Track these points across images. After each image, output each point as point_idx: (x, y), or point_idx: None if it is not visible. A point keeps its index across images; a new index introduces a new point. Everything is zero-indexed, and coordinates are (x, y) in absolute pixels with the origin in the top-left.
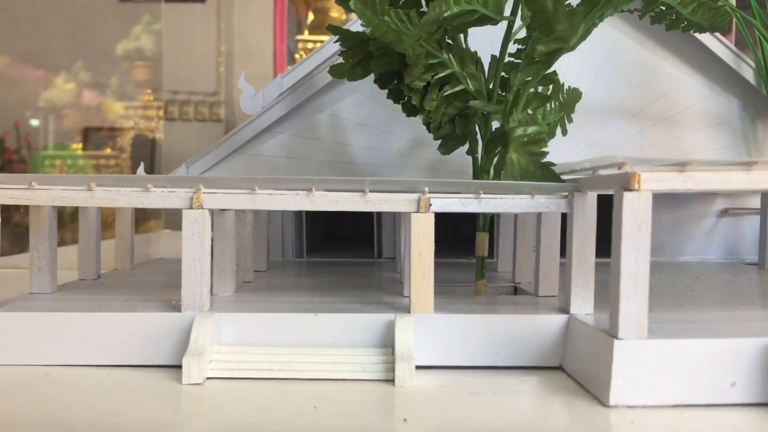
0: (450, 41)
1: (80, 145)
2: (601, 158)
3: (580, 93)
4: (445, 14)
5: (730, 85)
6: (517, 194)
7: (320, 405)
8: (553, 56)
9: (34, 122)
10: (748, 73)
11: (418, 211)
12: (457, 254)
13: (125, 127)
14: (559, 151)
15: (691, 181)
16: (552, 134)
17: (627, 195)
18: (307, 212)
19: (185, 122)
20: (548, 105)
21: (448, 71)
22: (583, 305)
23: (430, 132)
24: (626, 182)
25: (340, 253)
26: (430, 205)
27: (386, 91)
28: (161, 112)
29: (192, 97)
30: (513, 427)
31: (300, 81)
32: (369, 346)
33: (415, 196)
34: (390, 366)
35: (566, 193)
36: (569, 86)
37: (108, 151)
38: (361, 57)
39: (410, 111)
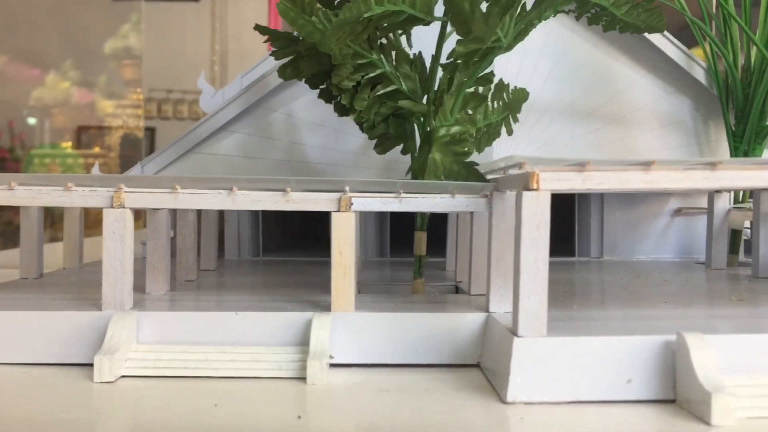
0: (384, 41)
1: (70, 144)
2: (509, 158)
3: (527, 93)
4: (366, 15)
5: (682, 85)
6: (438, 194)
7: (224, 403)
8: (471, 56)
9: (32, 120)
10: (700, 74)
11: (339, 211)
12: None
13: (113, 126)
14: (512, 151)
15: (590, 181)
16: (497, 134)
17: (526, 194)
18: (278, 211)
19: (179, 121)
20: (492, 104)
21: (379, 71)
22: (502, 303)
23: (363, 132)
24: (526, 182)
25: (302, 252)
26: (351, 204)
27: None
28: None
29: (186, 96)
30: (402, 424)
31: (256, 80)
32: (288, 345)
33: (336, 195)
34: (305, 364)
35: (487, 193)
36: (515, 86)
37: (96, 149)
38: (292, 57)
39: (342, 111)
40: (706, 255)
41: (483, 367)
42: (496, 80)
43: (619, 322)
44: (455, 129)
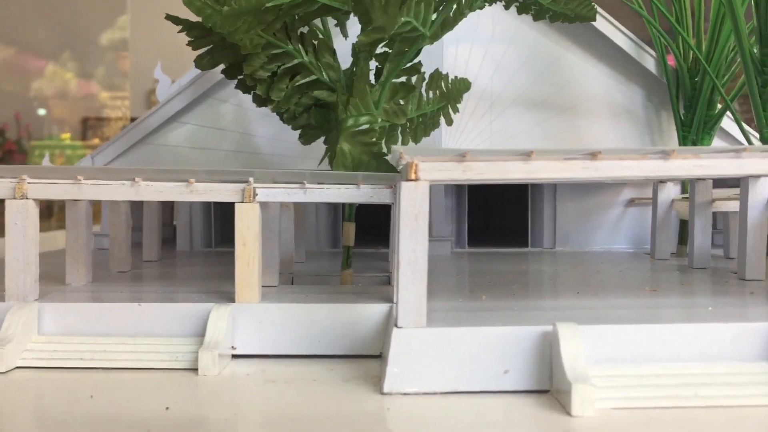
0: (306, 31)
1: (68, 135)
2: (410, 148)
3: (469, 84)
4: (269, 4)
5: (634, 75)
6: (345, 184)
7: (104, 394)
8: (374, 46)
9: (41, 111)
10: (650, 63)
11: (243, 201)
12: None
13: (113, 117)
14: (461, 141)
15: (470, 171)
16: (435, 124)
17: (404, 185)
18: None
19: None
20: (427, 95)
21: (296, 61)
22: None
23: (284, 122)
24: (405, 172)
25: None
26: (256, 195)
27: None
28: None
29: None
30: (270, 414)
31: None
32: (189, 336)
33: (240, 186)
34: None
35: (392, 184)
36: (455, 76)
37: (96, 141)
38: (209, 47)
39: (260, 102)
40: (650, 245)
41: (382, 357)
42: (452, 70)
43: (509, 312)
44: (363, 119)
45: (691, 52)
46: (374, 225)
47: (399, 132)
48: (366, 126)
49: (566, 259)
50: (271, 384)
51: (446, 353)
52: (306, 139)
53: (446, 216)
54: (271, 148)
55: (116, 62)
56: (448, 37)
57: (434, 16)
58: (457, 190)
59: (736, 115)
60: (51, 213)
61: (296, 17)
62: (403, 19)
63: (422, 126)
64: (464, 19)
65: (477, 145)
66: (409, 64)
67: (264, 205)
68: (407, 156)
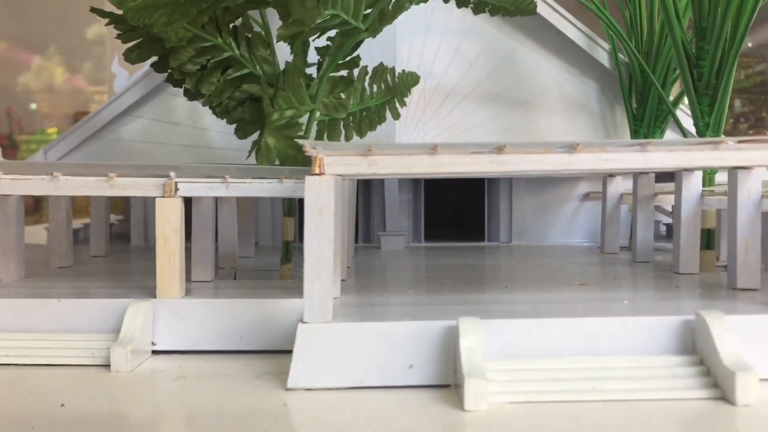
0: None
1: (55, 130)
2: (315, 142)
3: (418, 77)
4: None
5: (588, 68)
6: (269, 179)
7: (7, 391)
8: (296, 39)
9: (33, 106)
10: (604, 57)
11: (163, 196)
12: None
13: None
14: (415, 135)
15: (376, 166)
16: (381, 118)
17: (308, 179)
18: None
19: None
20: (371, 88)
21: (226, 54)
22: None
23: (218, 117)
24: (314, 167)
25: None
26: (177, 189)
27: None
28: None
29: None
30: (169, 411)
31: None
32: (108, 332)
33: (161, 180)
34: None
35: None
36: (403, 70)
37: None
38: (138, 40)
39: (190, 96)
40: (600, 239)
41: None
42: (406, 64)
43: (425, 307)
44: (289, 113)
45: (644, 45)
46: None
47: (341, 126)
48: (291, 120)
49: (518, 253)
50: (180, 380)
51: (351, 348)
52: (242, 133)
53: (401, 210)
54: (225, 143)
55: (103, 56)
56: (401, 30)
57: (371, 10)
58: (414, 184)
59: (672, 109)
60: (39, 208)
61: (225, 10)
62: (329, 12)
63: (367, 120)
64: (418, 12)
65: (431, 139)
66: (348, 58)
67: (197, 200)
68: (312, 150)
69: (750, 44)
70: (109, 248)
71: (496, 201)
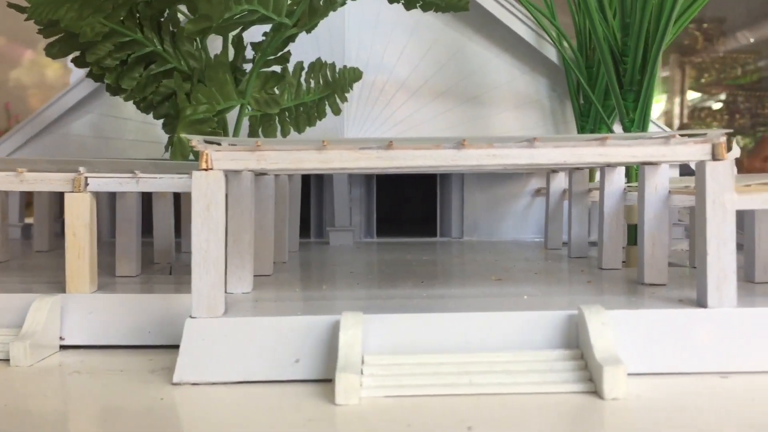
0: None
1: None
2: (203, 137)
3: (360, 73)
4: None
5: (537, 65)
6: (178, 174)
7: None
8: (204, 34)
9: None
10: (553, 53)
11: (72, 191)
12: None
13: None
14: (364, 130)
15: (265, 161)
16: (322, 113)
17: (195, 174)
18: None
19: None
20: (307, 84)
21: (147, 49)
22: (239, 284)
23: (142, 112)
24: (201, 162)
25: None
26: (87, 184)
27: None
28: None
29: None
30: (51, 406)
31: None
32: (15, 327)
33: (70, 175)
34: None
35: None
36: (344, 65)
37: None
38: (60, 35)
39: (113, 91)
40: (544, 235)
41: None
42: (354, 59)
43: (324, 302)
44: (202, 108)
45: (591, 41)
46: None
47: (277, 122)
48: (205, 115)
49: (464, 248)
50: (75, 375)
51: (238, 343)
52: (169, 128)
53: (349, 206)
54: None
55: None
56: (350, 26)
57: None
58: (367, 180)
59: (598, 106)
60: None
61: (147, 4)
62: (244, 7)
63: (305, 115)
64: (367, 7)
65: (381, 134)
66: (279, 54)
67: (121, 195)
68: (199, 145)
69: (752, 39)
70: (54, 243)
71: (448, 196)
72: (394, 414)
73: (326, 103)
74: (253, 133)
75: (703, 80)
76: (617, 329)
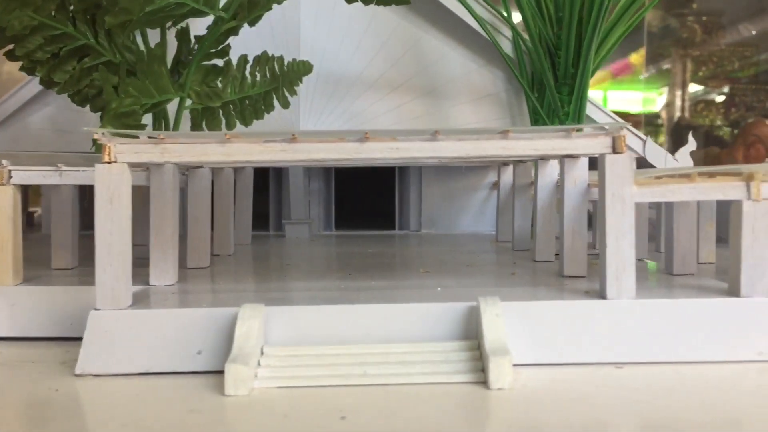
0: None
1: None
2: (108, 131)
3: (310, 66)
4: None
5: (494, 58)
6: None
7: None
8: (125, 28)
9: None
10: (508, 47)
11: None
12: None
13: None
14: (320, 123)
15: (168, 154)
16: (269, 106)
17: (98, 167)
18: None
19: None
20: (253, 77)
21: (80, 43)
22: (162, 277)
23: (77, 105)
24: (104, 155)
25: None
26: (11, 177)
27: None
28: None
29: None
30: None
31: None
32: None
33: None
34: None
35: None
36: (294, 58)
37: None
38: None
39: (46, 84)
40: (496, 228)
41: None
42: (310, 53)
43: (239, 294)
44: (128, 102)
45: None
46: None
47: (221, 115)
48: (130, 108)
49: (416, 241)
50: None
51: (142, 335)
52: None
53: (308, 199)
54: None
55: None
56: (305, 19)
57: None
58: (325, 173)
59: (541, 99)
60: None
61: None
62: (168, 0)
63: (251, 109)
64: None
65: (338, 127)
66: (220, 47)
67: (55, 189)
68: (103, 138)
69: (754, 32)
70: None
71: (406, 189)
72: (277, 405)
73: (274, 96)
74: (195, 126)
75: (701, 73)
76: (515, 321)
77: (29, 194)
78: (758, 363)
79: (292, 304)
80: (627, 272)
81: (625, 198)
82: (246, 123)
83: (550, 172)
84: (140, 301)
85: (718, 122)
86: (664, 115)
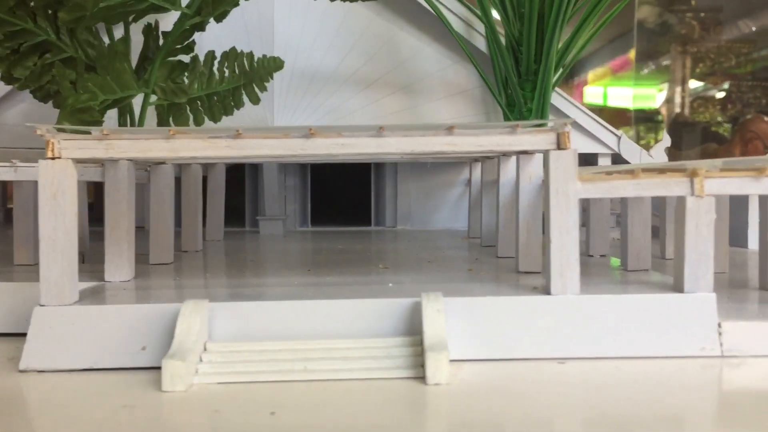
0: None
1: None
2: (54, 126)
3: (281, 62)
4: None
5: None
6: None
7: None
8: (79, 23)
9: None
10: (482, 44)
11: None
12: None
13: None
14: (294, 119)
15: (113, 150)
16: (239, 103)
17: (42, 163)
18: None
19: None
20: (221, 73)
21: (40, 39)
22: (117, 273)
23: (39, 101)
24: (47, 151)
25: None
26: None
27: None
28: None
29: None
30: None
31: None
32: None
33: None
34: None
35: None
36: (264, 54)
37: None
38: None
39: (7, 80)
40: (468, 224)
41: None
42: (284, 49)
43: (193, 290)
44: (84, 97)
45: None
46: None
47: (189, 111)
48: (86, 104)
49: (390, 237)
50: None
51: (86, 331)
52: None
53: (284, 195)
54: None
55: None
56: (279, 15)
57: None
58: (302, 169)
59: (497, 94)
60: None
61: None
62: None
63: (219, 105)
64: None
65: (313, 123)
66: (186, 42)
67: (18, 185)
68: (47, 134)
69: (754, 28)
70: None
71: (382, 186)
72: (211, 400)
73: (243, 92)
74: (162, 122)
75: (698, 70)
76: (459, 316)
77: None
78: (701, 358)
79: (241, 300)
80: (571, 268)
81: (569, 194)
82: (215, 119)
83: (512, 169)
84: (88, 297)
85: (719, 119)
86: (664, 111)
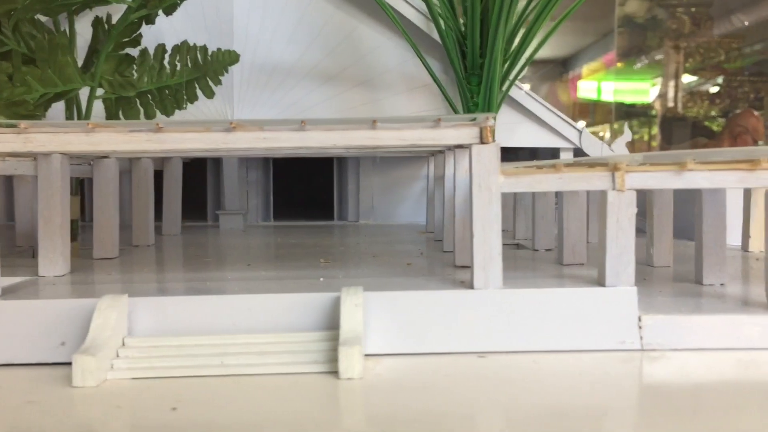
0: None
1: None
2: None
3: (237, 56)
4: None
5: (429, 48)
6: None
7: None
8: (8, 16)
9: None
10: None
11: None
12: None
13: None
14: (254, 114)
15: (32, 143)
16: (192, 96)
17: None
18: None
19: None
20: (172, 67)
21: (6, 48)
22: (51, 267)
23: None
24: None
25: None
26: None
27: None
28: None
29: None
30: None
31: None
32: None
33: None
34: None
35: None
36: (219, 48)
37: None
38: None
39: None
40: (426, 219)
41: None
42: (243, 43)
43: (126, 285)
44: (19, 91)
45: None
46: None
47: (139, 105)
48: (21, 97)
49: (349, 231)
50: None
51: (5, 326)
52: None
53: (246, 189)
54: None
55: None
56: (238, 8)
57: None
58: (264, 163)
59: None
60: None
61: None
62: None
63: (171, 99)
64: None
65: (273, 117)
66: (133, 35)
67: None
68: None
69: (746, 23)
70: None
71: (345, 180)
72: (119, 396)
73: (197, 85)
74: (111, 116)
75: (688, 65)
76: (380, 310)
77: None
78: (621, 352)
79: (165, 295)
80: (494, 262)
81: (491, 187)
82: (167, 113)
83: (453, 163)
84: (12, 291)
85: (713, 113)
86: (657, 106)
